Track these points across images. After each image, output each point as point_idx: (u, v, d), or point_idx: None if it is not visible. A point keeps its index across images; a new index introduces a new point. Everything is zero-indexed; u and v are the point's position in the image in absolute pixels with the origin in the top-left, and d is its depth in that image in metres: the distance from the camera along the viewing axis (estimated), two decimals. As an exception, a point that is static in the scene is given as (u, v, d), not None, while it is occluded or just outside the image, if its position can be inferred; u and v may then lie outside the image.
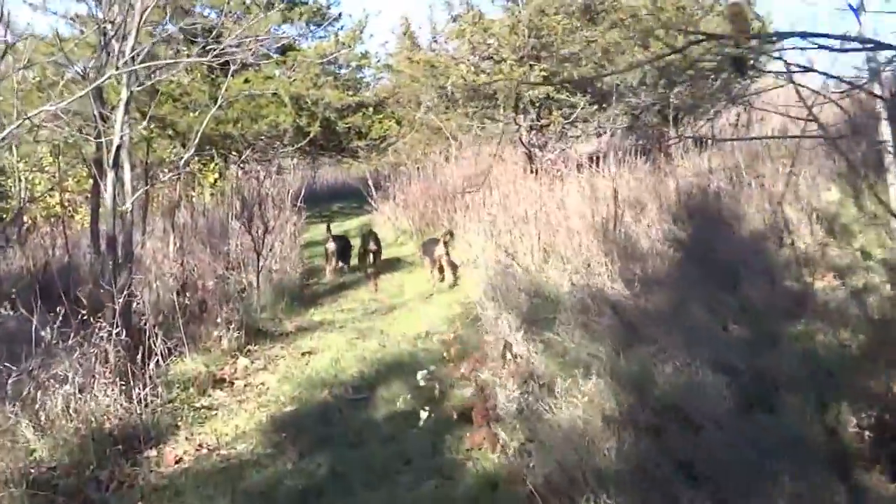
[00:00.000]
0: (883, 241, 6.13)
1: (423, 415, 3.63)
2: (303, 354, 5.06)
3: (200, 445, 3.64)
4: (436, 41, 13.68)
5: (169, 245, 6.99)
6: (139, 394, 3.83)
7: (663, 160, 9.52)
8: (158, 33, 5.75)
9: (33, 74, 11.20)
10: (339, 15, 15.07)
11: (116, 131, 4.95)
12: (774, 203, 6.97)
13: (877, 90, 5.59)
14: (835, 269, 5.84)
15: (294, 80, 13.32)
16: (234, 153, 13.54)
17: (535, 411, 3.49)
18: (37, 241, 7.63)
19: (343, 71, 15.38)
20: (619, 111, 9.92)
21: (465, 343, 4.79)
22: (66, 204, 9.99)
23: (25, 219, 8.79)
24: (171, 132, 12.95)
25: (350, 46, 14.42)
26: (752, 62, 11.79)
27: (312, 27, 15.21)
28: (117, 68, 3.53)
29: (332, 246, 7.65)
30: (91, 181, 6.70)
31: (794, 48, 1.90)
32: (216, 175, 12.18)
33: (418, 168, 11.64)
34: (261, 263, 6.36)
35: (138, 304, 4.64)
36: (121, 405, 3.77)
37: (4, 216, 8.87)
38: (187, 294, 5.35)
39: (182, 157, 6.88)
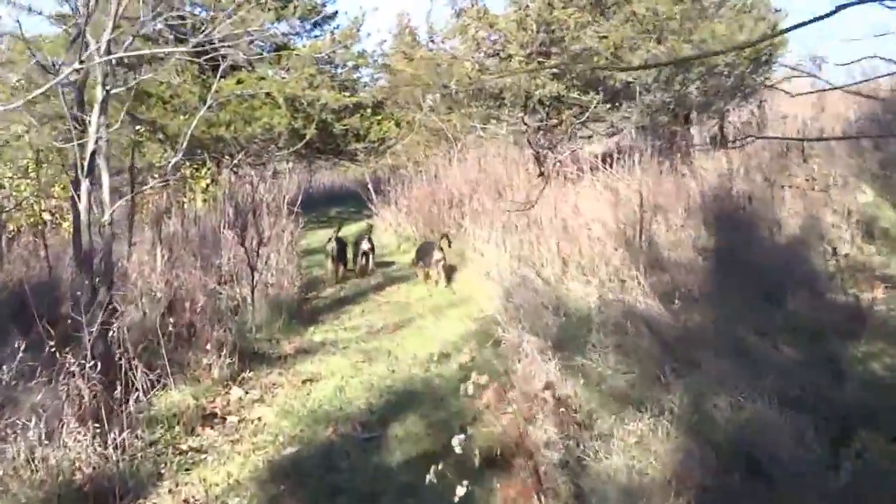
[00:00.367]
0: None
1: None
2: (303, 382, 4.52)
3: (186, 501, 3.12)
4: (433, 41, 13.21)
5: (156, 258, 6.49)
6: (116, 438, 3.31)
7: (679, 160, 9.06)
8: (138, 25, 5.23)
9: (17, 77, 10.76)
10: (335, 13, 14.53)
11: (91, 135, 4.43)
12: (809, 206, 6.48)
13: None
14: (884, 279, 5.36)
15: (289, 80, 12.79)
16: (226, 157, 12.98)
17: (578, 459, 2.98)
18: (17, 253, 7.11)
19: (339, 71, 14.85)
20: (633, 109, 9.40)
21: (486, 369, 4.28)
22: (54, 211, 9.47)
23: (10, 227, 8.30)
24: (161, 136, 12.41)
25: (346, 45, 13.91)
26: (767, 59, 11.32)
27: (307, 26, 14.69)
28: (81, 62, 3.02)
29: (331, 246, 7.68)
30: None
31: None
32: (208, 180, 11.63)
33: (420, 171, 11.11)
34: (255, 278, 5.83)
35: (117, 330, 4.10)
36: (94, 452, 3.25)
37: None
38: (174, 315, 4.82)
39: (169, 162, 6.37)
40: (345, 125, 13.72)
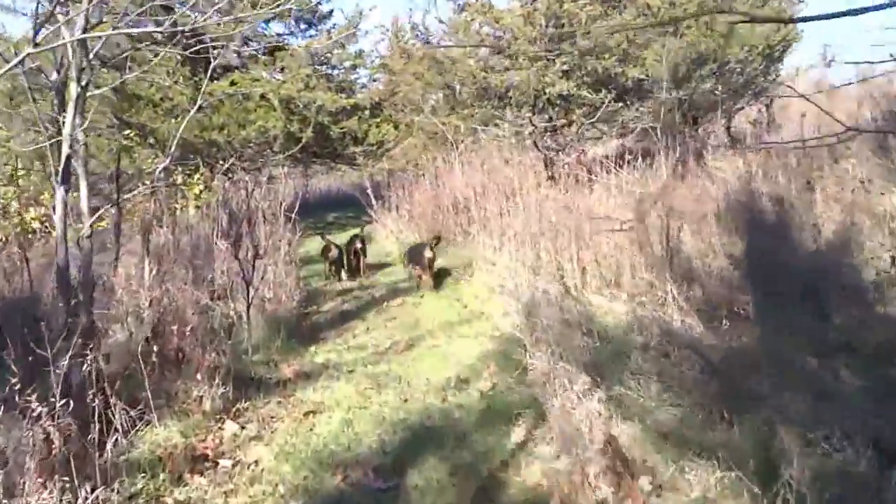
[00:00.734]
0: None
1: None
2: (305, 415, 4.03)
3: (170, 573, 2.64)
4: (428, 42, 12.75)
5: (144, 271, 6.00)
6: (88, 495, 2.82)
7: (694, 161, 8.63)
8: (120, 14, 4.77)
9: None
10: (331, 12, 14.04)
11: (65, 137, 3.95)
12: (846, 209, 6.03)
13: None
14: (937, 290, 4.91)
15: (284, 81, 12.31)
16: (220, 162, 12.48)
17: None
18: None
19: (336, 72, 14.37)
20: (645, 109, 8.97)
21: (513, 402, 3.82)
22: (43, 220, 8.98)
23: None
24: (151, 140, 11.91)
25: (343, 44, 13.44)
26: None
27: (302, 25, 14.22)
28: (37, 44, 2.53)
29: (335, 252, 8.01)
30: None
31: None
32: (201, 186, 11.12)
33: (422, 174, 10.63)
34: (251, 293, 5.35)
35: (93, 359, 3.60)
36: (63, 512, 2.76)
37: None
38: (162, 338, 4.33)
39: (156, 168, 5.89)
40: (342, 128, 13.24)
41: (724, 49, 9.19)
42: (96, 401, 3.16)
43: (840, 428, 2.87)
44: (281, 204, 7.43)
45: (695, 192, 7.00)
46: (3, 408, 3.17)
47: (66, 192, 4.09)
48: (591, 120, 8.79)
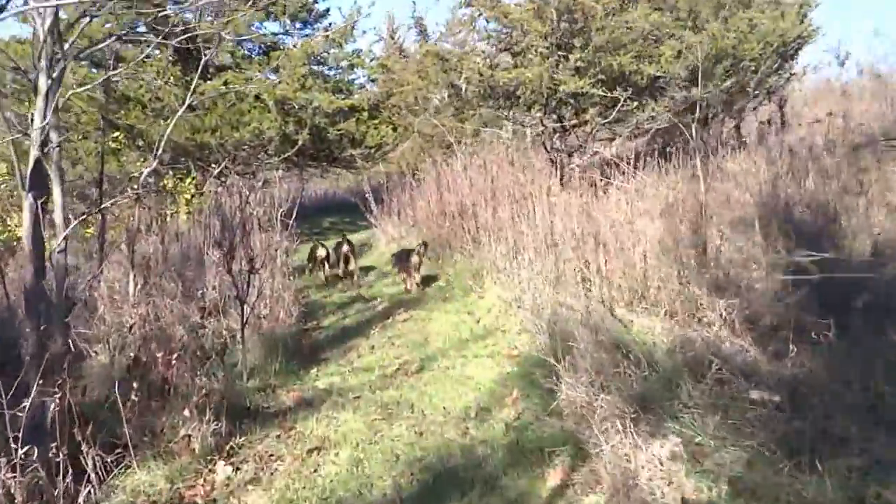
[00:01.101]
0: None
1: None
2: (308, 452, 3.54)
3: None
4: (426, 41, 12.30)
5: (129, 285, 5.51)
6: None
7: (713, 162, 8.20)
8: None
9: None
10: (327, 10, 13.58)
11: (34, 139, 3.46)
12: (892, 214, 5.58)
13: None
14: None
15: (279, 81, 11.83)
16: (212, 165, 11.96)
17: None
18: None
19: (333, 72, 13.91)
20: (661, 108, 8.50)
21: (544, 437, 3.34)
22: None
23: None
24: (140, 143, 11.41)
25: (341, 43, 12.97)
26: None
27: (298, 24, 13.74)
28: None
29: (322, 252, 8.27)
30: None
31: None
32: (192, 191, 10.61)
33: (422, 178, 10.14)
34: (246, 311, 4.86)
35: (66, 395, 3.11)
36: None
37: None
38: (145, 366, 3.84)
39: (142, 172, 5.40)
40: (339, 130, 12.76)
41: (741, 45, 8.74)
42: (66, 445, 2.67)
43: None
44: (278, 210, 6.94)
45: (720, 198, 6.55)
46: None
47: (36, 199, 3.60)
48: (606, 120, 8.33)
